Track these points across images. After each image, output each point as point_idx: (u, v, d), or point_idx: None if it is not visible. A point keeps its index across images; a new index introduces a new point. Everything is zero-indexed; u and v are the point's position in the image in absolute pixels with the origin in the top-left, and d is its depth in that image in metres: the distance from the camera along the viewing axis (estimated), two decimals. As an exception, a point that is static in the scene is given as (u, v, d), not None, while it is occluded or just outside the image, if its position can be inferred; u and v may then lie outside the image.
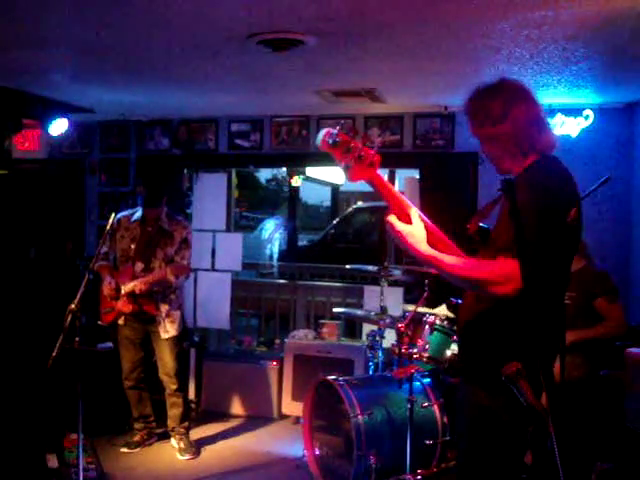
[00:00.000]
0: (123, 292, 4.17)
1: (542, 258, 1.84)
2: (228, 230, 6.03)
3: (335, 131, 1.89)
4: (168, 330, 4.29)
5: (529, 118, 1.98)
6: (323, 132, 1.91)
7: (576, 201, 1.96)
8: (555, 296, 2.02)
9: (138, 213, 4.37)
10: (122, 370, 4.42)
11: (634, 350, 3.84)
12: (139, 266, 4.25)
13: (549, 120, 2.07)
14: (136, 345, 4.38)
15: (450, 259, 1.94)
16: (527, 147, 1.99)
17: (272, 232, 11.58)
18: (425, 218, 2.03)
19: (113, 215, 3.46)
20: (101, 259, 4.29)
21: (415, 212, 1.99)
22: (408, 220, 1.99)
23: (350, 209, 13.42)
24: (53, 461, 3.80)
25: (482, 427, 2.04)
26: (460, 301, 2.29)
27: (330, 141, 1.88)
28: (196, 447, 4.45)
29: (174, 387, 4.37)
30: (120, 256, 4.34)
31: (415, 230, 1.96)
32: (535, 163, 2.00)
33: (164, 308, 4.29)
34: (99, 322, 4.34)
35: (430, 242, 1.99)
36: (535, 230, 1.82)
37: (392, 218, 1.97)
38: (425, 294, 3.82)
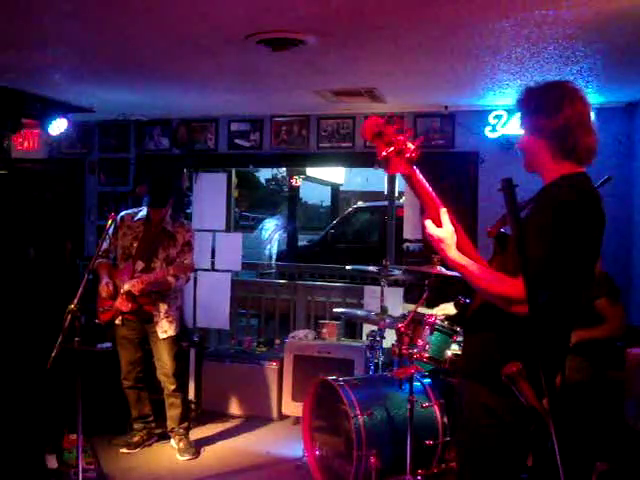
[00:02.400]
0: (122, 291, 4.17)
1: (563, 265, 1.86)
2: (228, 230, 6.03)
3: (382, 121, 1.89)
4: (166, 330, 4.28)
5: (580, 120, 1.99)
6: (369, 121, 1.91)
7: (603, 224, 1.98)
8: (570, 303, 2.01)
9: (142, 212, 4.36)
10: (121, 370, 4.41)
11: (635, 350, 3.83)
12: (139, 265, 4.24)
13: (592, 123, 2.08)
14: (134, 345, 4.37)
15: (477, 269, 1.95)
16: (569, 148, 1.99)
17: (272, 233, 11.58)
18: (452, 219, 2.03)
19: (113, 218, 3.46)
20: (101, 257, 4.28)
21: (445, 214, 1.99)
22: (440, 222, 2.00)
23: (350, 209, 13.42)
24: (52, 462, 3.79)
25: (485, 427, 2.04)
26: (469, 300, 2.29)
27: (376, 130, 1.88)
28: (196, 447, 4.45)
29: (172, 387, 4.36)
30: (121, 254, 4.33)
31: (445, 234, 1.97)
32: (570, 177, 2.00)
33: (163, 308, 4.28)
34: (96, 320, 4.33)
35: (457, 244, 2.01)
36: (560, 237, 1.85)
37: (427, 222, 1.99)
38: (425, 294, 3.82)
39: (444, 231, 1.98)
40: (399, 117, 1.92)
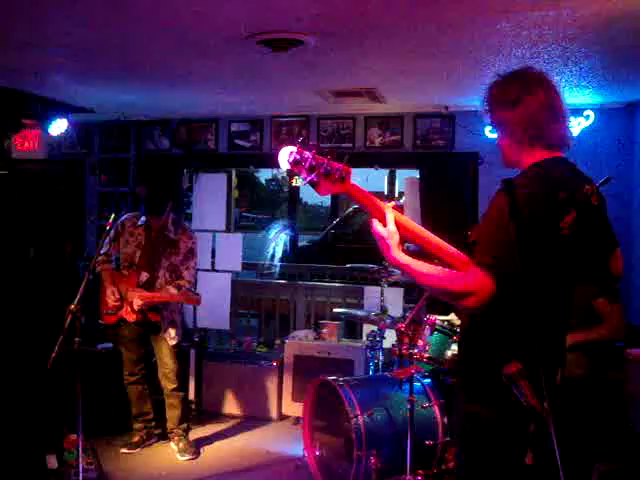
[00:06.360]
0: (128, 301, 4.18)
1: (524, 262, 1.71)
2: (228, 230, 6.03)
3: (294, 148, 1.83)
4: (173, 337, 4.34)
5: (543, 106, 1.94)
6: (282, 152, 1.84)
7: (572, 208, 1.88)
8: (548, 301, 1.92)
9: (144, 218, 4.35)
10: (124, 366, 4.42)
11: (635, 350, 3.83)
12: (144, 276, 4.25)
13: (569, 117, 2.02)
14: (137, 343, 4.39)
15: (420, 267, 1.90)
16: (535, 136, 1.95)
17: (277, 233, 11.65)
18: (404, 217, 1.98)
19: (113, 216, 3.45)
20: (102, 260, 4.28)
21: (390, 214, 1.94)
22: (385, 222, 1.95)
23: (350, 209, 13.40)
24: (53, 462, 3.79)
25: (469, 432, 2.03)
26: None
27: (290, 159, 1.82)
28: (196, 447, 4.45)
29: (172, 387, 4.37)
30: (124, 260, 4.33)
31: (386, 233, 1.92)
32: (533, 166, 1.95)
33: (168, 316, 4.33)
34: (100, 321, 4.33)
35: (411, 242, 1.98)
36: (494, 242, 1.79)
37: (374, 221, 1.95)
38: (425, 294, 3.82)
39: (386, 230, 1.93)
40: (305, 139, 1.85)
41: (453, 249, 2.03)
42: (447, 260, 1.99)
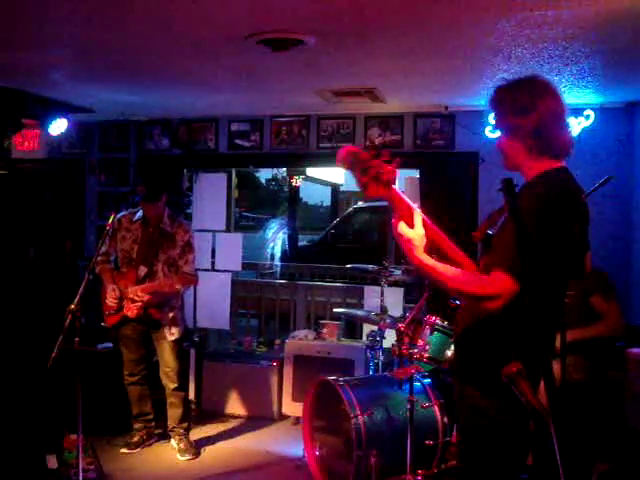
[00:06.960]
0: (129, 297, 4.17)
1: (539, 261, 1.83)
2: (228, 230, 6.03)
3: (356, 150, 1.89)
4: (173, 332, 4.33)
5: (554, 115, 1.98)
6: (344, 150, 1.90)
7: (580, 218, 1.98)
8: (552, 299, 2.02)
9: (140, 213, 4.36)
10: (124, 366, 4.42)
11: (634, 350, 3.83)
12: (142, 270, 4.25)
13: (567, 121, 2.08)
14: (137, 343, 4.38)
15: (445, 270, 1.93)
16: (545, 144, 1.99)
17: (275, 232, 11.65)
18: (429, 222, 2.02)
19: (112, 216, 3.46)
20: (101, 260, 4.29)
21: (419, 217, 1.98)
22: (412, 224, 1.98)
23: (350, 209, 13.42)
24: (53, 462, 3.79)
25: (477, 428, 2.05)
26: (458, 302, 2.29)
27: (351, 159, 1.88)
28: (196, 447, 4.45)
29: (173, 386, 4.37)
30: (122, 257, 4.34)
31: (414, 235, 1.95)
32: (545, 174, 2.00)
33: (169, 313, 4.32)
34: (103, 324, 4.34)
35: (434, 245, 2.00)
36: (534, 234, 1.82)
37: (401, 223, 1.97)
38: (425, 294, 3.82)
39: (414, 232, 1.96)
40: (376, 146, 1.89)
41: (462, 252, 2.07)
42: (459, 262, 2.03)
